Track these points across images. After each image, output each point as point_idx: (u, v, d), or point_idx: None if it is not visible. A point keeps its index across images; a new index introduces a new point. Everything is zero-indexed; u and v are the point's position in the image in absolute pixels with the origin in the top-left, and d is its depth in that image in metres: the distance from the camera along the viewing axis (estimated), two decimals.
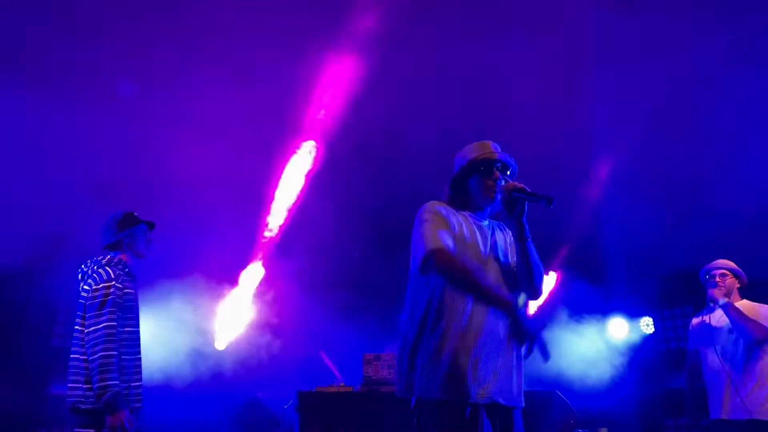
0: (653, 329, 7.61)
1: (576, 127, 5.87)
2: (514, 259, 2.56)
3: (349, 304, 6.54)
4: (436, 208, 2.48)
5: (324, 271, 6.43)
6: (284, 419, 5.80)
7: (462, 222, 2.49)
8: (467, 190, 2.58)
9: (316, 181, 6.24)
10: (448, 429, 2.30)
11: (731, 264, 4.17)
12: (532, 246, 2.48)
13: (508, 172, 2.60)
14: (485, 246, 2.49)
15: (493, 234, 2.58)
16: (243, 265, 6.73)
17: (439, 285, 2.38)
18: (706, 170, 5.97)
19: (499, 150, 2.60)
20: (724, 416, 3.89)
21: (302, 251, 6.38)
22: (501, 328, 2.37)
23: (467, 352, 2.32)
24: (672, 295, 7.46)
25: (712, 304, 4.12)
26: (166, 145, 5.40)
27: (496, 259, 2.50)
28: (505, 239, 2.62)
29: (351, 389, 5.06)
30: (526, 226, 2.48)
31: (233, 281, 6.69)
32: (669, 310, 7.52)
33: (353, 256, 6.63)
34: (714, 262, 4.20)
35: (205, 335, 6.50)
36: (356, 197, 6.13)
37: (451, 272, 2.31)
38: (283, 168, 6.30)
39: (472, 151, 2.60)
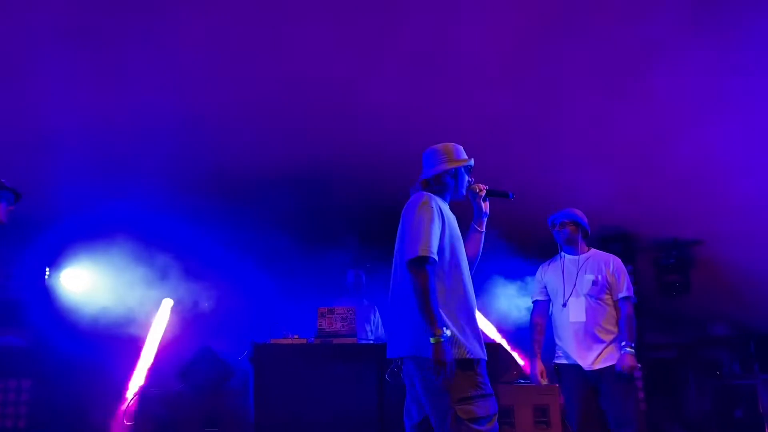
0: None
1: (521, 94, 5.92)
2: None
3: (302, 257, 6.62)
4: (433, 204, 2.90)
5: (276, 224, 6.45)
6: (238, 370, 5.89)
7: (449, 215, 3.01)
8: (445, 185, 3.10)
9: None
10: (480, 381, 2.79)
11: (575, 212, 4.31)
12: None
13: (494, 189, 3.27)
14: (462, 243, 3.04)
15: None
16: None
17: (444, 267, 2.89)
18: (650, 136, 6.19)
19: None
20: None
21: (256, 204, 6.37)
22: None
23: (472, 318, 2.90)
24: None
25: (562, 254, 4.33)
26: None
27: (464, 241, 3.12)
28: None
29: (305, 341, 5.18)
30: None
31: None
32: None
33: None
34: (560, 211, 4.36)
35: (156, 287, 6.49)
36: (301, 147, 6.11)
37: (419, 285, 2.70)
38: None
39: (460, 154, 3.14)
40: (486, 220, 3.20)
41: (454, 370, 2.67)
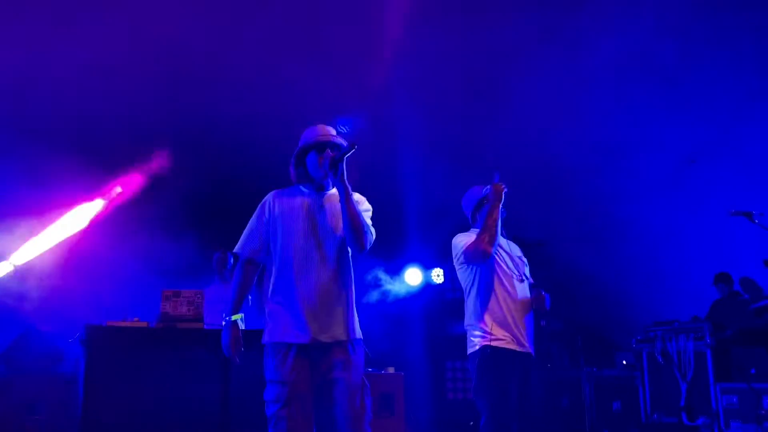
0: (443, 279, 8.29)
1: (379, 80, 6.01)
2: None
3: (147, 239, 6.24)
4: (260, 206, 3.04)
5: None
6: (68, 353, 5.46)
7: (287, 196, 3.01)
8: (299, 173, 3.06)
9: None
10: (274, 365, 2.87)
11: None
12: (353, 203, 2.87)
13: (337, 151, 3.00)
14: (315, 209, 2.97)
15: (330, 203, 3.00)
16: None
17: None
18: (500, 137, 6.53)
19: (332, 133, 3.06)
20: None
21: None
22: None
23: (293, 301, 2.97)
24: None
25: None
26: None
27: (328, 220, 2.96)
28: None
29: (146, 324, 4.89)
30: (347, 185, 2.87)
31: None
32: None
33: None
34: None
35: None
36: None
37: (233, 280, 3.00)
38: None
39: (304, 137, 3.07)
40: (342, 186, 2.86)
41: (233, 352, 2.92)
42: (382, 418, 6.42)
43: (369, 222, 3.00)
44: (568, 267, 7.73)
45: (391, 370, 6.79)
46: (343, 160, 2.84)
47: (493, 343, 3.66)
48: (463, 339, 7.70)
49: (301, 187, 3.05)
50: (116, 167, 5.99)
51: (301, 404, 2.76)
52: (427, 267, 8.38)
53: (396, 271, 8.45)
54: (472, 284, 3.84)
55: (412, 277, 8.40)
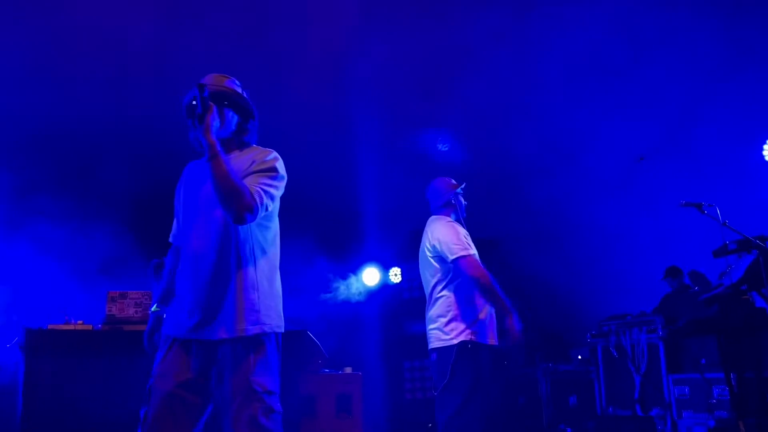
0: (400, 279, 8.25)
1: (334, 82, 5.97)
2: None
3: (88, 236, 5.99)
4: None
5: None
6: (5, 360, 5.18)
7: (188, 174, 2.60)
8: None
9: None
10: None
11: None
12: (218, 163, 2.24)
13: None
14: (199, 186, 2.43)
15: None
16: None
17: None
18: (454, 137, 6.54)
19: (211, 82, 2.44)
20: None
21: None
22: None
23: (184, 283, 2.57)
24: (418, 248, 8.12)
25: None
26: None
27: (210, 195, 2.34)
28: (241, 168, 2.42)
29: (90, 327, 4.68)
30: (213, 141, 2.26)
31: None
32: (415, 262, 8.16)
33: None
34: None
35: None
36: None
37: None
38: None
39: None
40: (207, 143, 2.25)
41: (148, 344, 2.67)
42: (339, 419, 6.34)
43: (260, 181, 2.35)
44: (521, 265, 7.79)
45: (348, 370, 6.70)
46: (205, 110, 2.24)
47: (475, 338, 3.53)
48: (420, 339, 7.65)
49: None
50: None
51: (169, 410, 2.28)
52: (384, 267, 8.32)
53: (353, 270, 8.38)
54: (452, 277, 3.63)
55: (370, 276, 8.34)
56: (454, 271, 3.60)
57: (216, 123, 2.33)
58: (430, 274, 3.76)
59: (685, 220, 6.90)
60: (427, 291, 3.81)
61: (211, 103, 2.30)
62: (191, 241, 2.42)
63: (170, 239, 2.72)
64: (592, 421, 6.23)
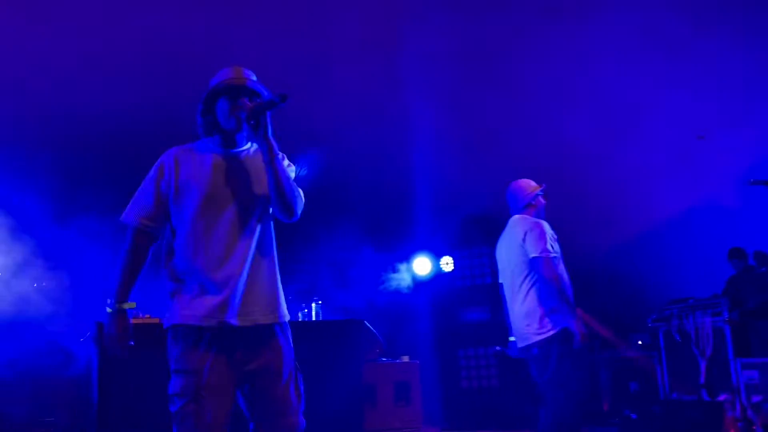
0: (453, 267, 8.20)
1: (388, 68, 5.96)
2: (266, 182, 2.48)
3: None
4: (155, 168, 2.51)
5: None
6: (79, 354, 5.37)
7: (195, 156, 2.49)
8: (205, 125, 2.53)
9: None
10: (177, 354, 2.46)
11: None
12: (280, 164, 2.41)
13: (258, 100, 2.46)
14: (229, 171, 2.47)
15: (244, 162, 2.51)
16: None
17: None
18: (507, 119, 6.44)
19: (248, 76, 2.54)
20: None
21: None
22: None
23: (199, 274, 2.51)
24: (470, 236, 8.06)
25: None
26: None
27: (244, 182, 2.47)
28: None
29: (157, 320, 4.80)
30: (273, 143, 2.40)
31: None
32: (467, 250, 8.13)
33: None
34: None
35: None
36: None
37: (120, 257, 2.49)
38: None
39: (220, 75, 2.55)
40: (266, 143, 2.38)
41: (119, 346, 2.49)
42: (398, 407, 6.37)
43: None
44: (578, 250, 7.64)
45: (405, 359, 6.72)
46: (265, 113, 2.36)
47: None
48: (475, 327, 7.63)
49: (209, 142, 2.53)
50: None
51: (213, 399, 2.33)
52: (436, 255, 8.30)
53: (404, 259, 8.38)
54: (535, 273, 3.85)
55: (421, 265, 8.32)
56: (533, 267, 3.81)
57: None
58: (516, 269, 3.94)
59: (747, 198, 6.68)
60: (511, 286, 4.01)
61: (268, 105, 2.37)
62: (219, 230, 2.41)
63: (134, 222, 2.48)
64: (656, 405, 6.09)
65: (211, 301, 2.37)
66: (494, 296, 7.91)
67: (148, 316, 4.86)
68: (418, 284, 8.36)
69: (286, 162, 2.53)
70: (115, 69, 5.56)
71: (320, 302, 6.14)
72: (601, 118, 6.24)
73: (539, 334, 3.75)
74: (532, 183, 4.18)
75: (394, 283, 8.40)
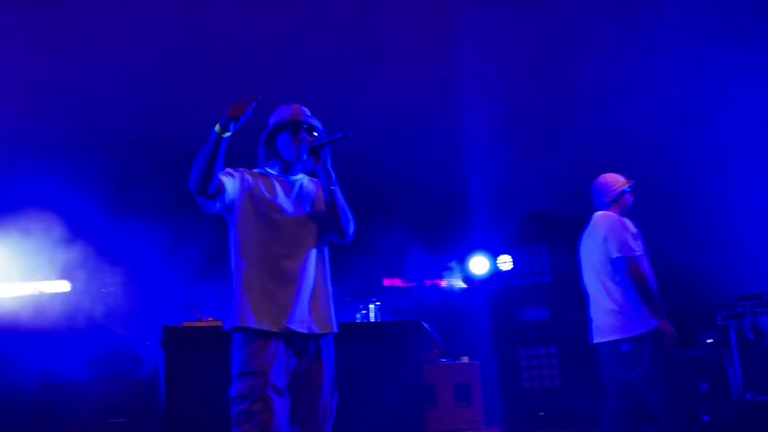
0: (511, 266, 8.08)
1: (442, 65, 5.92)
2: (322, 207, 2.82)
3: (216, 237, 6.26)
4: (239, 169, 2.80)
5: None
6: (147, 357, 5.53)
7: (258, 180, 2.79)
8: (276, 148, 2.86)
9: None
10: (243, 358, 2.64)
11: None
12: (338, 192, 2.76)
13: (315, 134, 2.85)
14: (288, 196, 2.79)
15: (301, 188, 2.86)
16: None
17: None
18: (565, 115, 6.30)
19: (308, 113, 2.89)
20: None
21: None
22: None
23: (269, 283, 2.74)
24: (529, 234, 7.93)
25: None
26: None
27: (301, 207, 2.79)
28: (316, 191, 2.89)
29: (220, 324, 4.90)
30: (332, 173, 2.76)
31: None
32: (526, 248, 8.00)
33: None
34: None
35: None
36: None
37: (194, 170, 2.61)
38: None
39: (281, 113, 2.89)
40: (326, 173, 2.74)
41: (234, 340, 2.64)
42: (459, 408, 6.32)
43: None
44: (646, 246, 7.42)
45: (465, 359, 6.67)
46: (327, 145, 2.74)
47: (659, 324, 3.70)
48: (536, 327, 7.49)
49: (268, 169, 2.88)
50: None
51: (278, 399, 2.51)
52: (494, 254, 8.19)
53: (461, 259, 8.31)
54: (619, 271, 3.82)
55: (478, 265, 8.23)
56: (616, 267, 3.77)
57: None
58: (599, 267, 3.90)
59: None
60: (594, 283, 3.95)
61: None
62: (282, 246, 2.69)
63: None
64: (730, 407, 5.85)
65: (275, 308, 2.60)
66: (554, 295, 7.84)
67: (211, 319, 4.97)
68: (475, 284, 8.27)
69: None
70: (164, 72, 5.68)
71: (378, 303, 6.15)
72: (664, 108, 6.02)
73: (630, 331, 3.72)
74: (621, 178, 4.12)
75: (450, 283, 8.34)
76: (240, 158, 2.88)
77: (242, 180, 2.74)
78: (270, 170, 2.86)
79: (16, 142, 5.59)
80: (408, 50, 5.50)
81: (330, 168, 2.75)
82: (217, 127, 2.50)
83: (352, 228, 2.81)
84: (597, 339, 3.93)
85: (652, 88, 5.89)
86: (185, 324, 4.88)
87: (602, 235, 3.87)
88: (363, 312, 6.10)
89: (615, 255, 3.76)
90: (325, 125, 2.91)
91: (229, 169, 2.72)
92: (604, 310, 3.86)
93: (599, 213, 4.05)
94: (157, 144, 5.93)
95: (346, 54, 5.43)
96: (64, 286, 6.19)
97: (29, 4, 4.63)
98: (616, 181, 4.09)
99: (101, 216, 5.99)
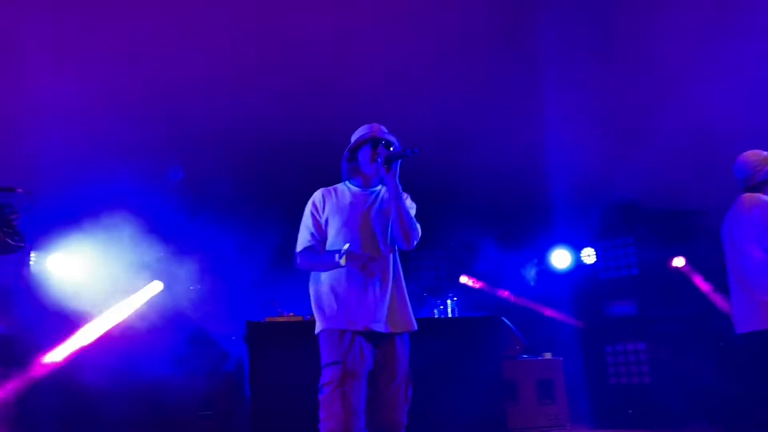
0: (595, 259, 7.83)
1: (522, 50, 5.77)
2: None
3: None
4: (310, 205, 3.11)
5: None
6: (232, 351, 5.73)
7: (337, 194, 3.11)
8: (357, 162, 3.14)
9: None
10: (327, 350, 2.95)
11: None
12: (403, 202, 3.00)
13: (392, 148, 3.11)
14: (366, 206, 3.07)
15: (377, 197, 3.12)
16: None
17: None
18: (650, 101, 6.03)
19: (385, 131, 3.15)
20: None
21: None
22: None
23: (344, 290, 3.01)
24: (613, 226, 7.65)
25: None
26: None
27: (378, 216, 3.05)
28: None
29: (301, 319, 5.00)
30: (399, 185, 2.99)
31: None
32: (610, 241, 7.73)
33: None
34: None
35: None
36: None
37: (308, 268, 3.06)
38: None
39: (361, 130, 3.17)
40: (394, 185, 2.98)
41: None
42: (542, 405, 6.19)
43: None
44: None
45: (548, 355, 6.52)
46: (398, 159, 2.96)
47: None
48: (623, 322, 7.20)
49: (349, 184, 3.16)
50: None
51: (355, 384, 2.79)
52: (576, 247, 7.96)
53: (543, 253, 8.13)
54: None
55: (560, 258, 8.02)
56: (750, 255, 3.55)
57: None
58: (737, 253, 3.69)
59: None
60: (733, 270, 3.73)
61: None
62: (363, 252, 2.94)
63: (300, 247, 3.06)
64: None
65: (358, 310, 2.89)
66: (642, 289, 7.51)
67: (292, 314, 5.08)
68: (557, 278, 8.06)
69: (408, 201, 3.12)
70: (240, 74, 5.82)
71: (455, 299, 6.10)
72: (750, 92, 5.65)
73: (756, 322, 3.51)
74: (764, 153, 3.77)
75: (531, 278, 8.18)
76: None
77: (322, 212, 3.06)
78: (350, 184, 3.15)
79: (102, 144, 5.86)
80: (486, 39, 5.40)
81: (397, 180, 2.98)
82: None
83: (416, 237, 3.04)
84: (742, 329, 3.66)
85: (749, 73, 5.53)
86: (267, 319, 5.02)
87: (742, 219, 3.62)
88: (441, 307, 6.07)
89: (750, 242, 3.51)
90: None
91: (317, 221, 3.05)
92: (743, 301, 3.62)
93: (745, 195, 3.74)
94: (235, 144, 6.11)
95: (424, 49, 5.39)
96: (158, 286, 6.49)
97: (109, 12, 4.85)
98: (759, 158, 3.75)
99: (179, 215, 6.22)
